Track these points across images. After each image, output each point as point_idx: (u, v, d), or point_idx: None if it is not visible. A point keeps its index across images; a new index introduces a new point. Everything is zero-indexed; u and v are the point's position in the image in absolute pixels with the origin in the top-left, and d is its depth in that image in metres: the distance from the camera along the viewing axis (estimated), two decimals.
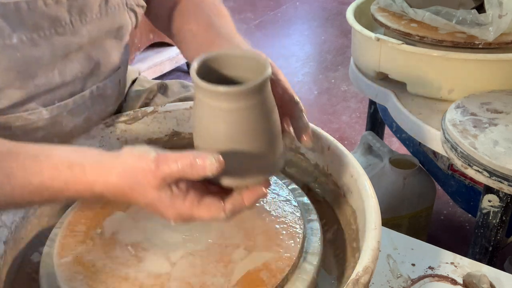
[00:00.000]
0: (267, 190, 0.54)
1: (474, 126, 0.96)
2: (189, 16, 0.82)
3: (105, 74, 0.76)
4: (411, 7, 1.18)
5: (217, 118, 0.51)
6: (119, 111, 0.93)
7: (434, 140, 1.01)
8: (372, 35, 1.17)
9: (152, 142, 0.84)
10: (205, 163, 0.48)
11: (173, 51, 2.59)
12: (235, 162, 0.52)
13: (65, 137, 0.75)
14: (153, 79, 1.06)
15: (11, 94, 0.64)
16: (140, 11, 0.80)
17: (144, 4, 0.81)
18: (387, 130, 1.64)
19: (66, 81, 0.70)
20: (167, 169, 0.48)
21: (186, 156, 0.48)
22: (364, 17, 1.34)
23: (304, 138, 0.60)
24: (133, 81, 0.97)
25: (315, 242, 0.64)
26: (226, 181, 0.53)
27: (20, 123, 0.67)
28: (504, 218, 0.96)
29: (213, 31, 0.75)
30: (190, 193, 0.51)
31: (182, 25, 0.81)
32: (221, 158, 0.48)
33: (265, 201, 0.69)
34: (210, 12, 0.80)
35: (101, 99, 0.77)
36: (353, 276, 0.50)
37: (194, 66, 0.52)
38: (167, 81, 0.99)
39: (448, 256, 0.76)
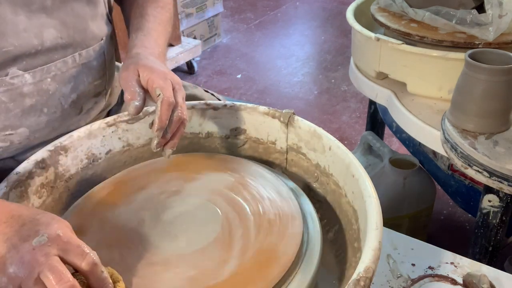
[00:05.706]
0: None
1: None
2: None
3: (87, 43, 0.79)
4: (411, 7, 1.18)
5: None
6: (121, 103, 0.93)
7: (434, 140, 1.01)
8: (372, 35, 1.17)
9: None
10: None
11: (173, 51, 2.59)
12: None
13: (56, 108, 0.77)
14: None
15: None
16: None
17: None
18: (387, 130, 1.64)
19: (46, 46, 0.72)
20: None
21: None
22: (364, 17, 1.34)
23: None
24: None
25: (315, 242, 0.64)
26: None
27: (4, 88, 0.69)
28: (504, 218, 0.96)
29: (136, 31, 0.83)
30: None
31: (125, 6, 0.90)
32: None
33: (265, 201, 0.69)
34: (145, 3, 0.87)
35: (87, 69, 0.80)
36: (354, 276, 0.50)
37: None
38: None
39: (448, 256, 0.76)
